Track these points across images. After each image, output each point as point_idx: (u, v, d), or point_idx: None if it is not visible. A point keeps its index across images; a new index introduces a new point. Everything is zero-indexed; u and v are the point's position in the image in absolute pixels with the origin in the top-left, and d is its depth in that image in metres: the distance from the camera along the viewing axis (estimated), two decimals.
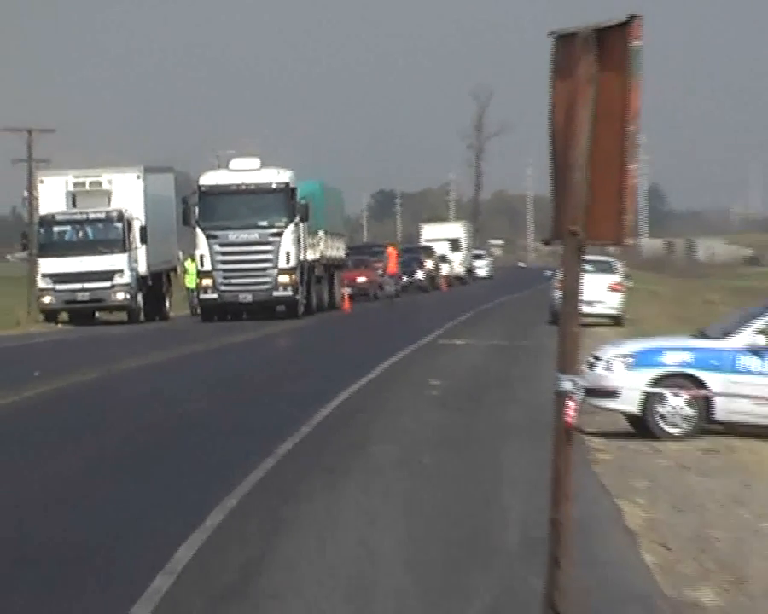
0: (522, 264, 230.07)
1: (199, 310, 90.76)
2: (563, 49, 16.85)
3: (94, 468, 39.83)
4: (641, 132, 16.76)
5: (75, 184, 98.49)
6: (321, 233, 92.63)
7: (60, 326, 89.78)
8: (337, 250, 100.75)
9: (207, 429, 47.13)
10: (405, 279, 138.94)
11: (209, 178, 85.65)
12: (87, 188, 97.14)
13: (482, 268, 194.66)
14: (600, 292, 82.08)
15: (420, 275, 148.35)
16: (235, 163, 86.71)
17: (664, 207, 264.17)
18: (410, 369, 64.39)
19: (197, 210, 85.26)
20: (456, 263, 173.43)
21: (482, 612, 21.77)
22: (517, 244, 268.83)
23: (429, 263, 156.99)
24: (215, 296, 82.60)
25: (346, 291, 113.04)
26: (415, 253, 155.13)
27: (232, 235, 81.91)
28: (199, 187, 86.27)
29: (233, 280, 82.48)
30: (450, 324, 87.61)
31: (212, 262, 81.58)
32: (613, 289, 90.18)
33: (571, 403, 17.62)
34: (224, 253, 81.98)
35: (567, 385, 17.39)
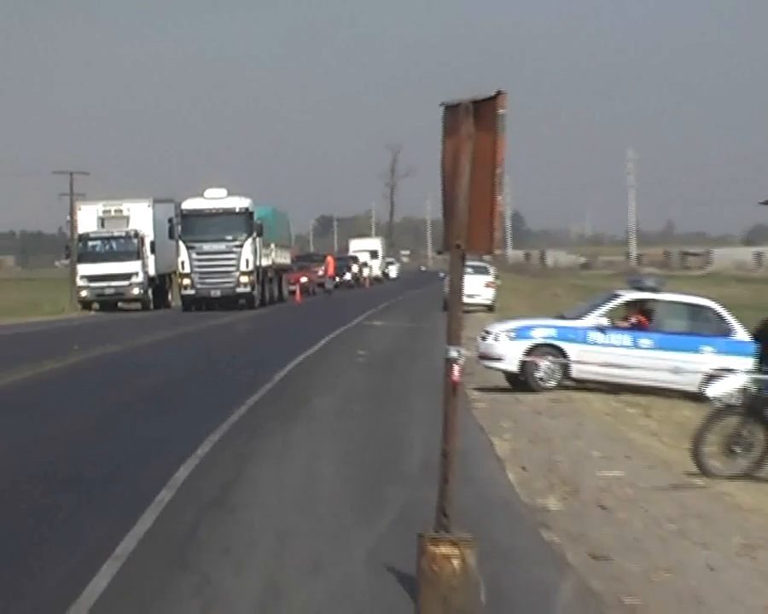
0: (423, 268, 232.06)
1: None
2: (450, 115, 18.01)
3: (116, 412, 40.31)
4: (506, 173, 17.62)
5: (104, 211, 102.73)
6: (272, 245, 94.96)
7: (92, 313, 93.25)
8: (284, 258, 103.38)
9: (200, 385, 47.99)
10: (338, 279, 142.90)
11: (189, 204, 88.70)
12: (112, 214, 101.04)
13: (393, 271, 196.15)
14: (477, 287, 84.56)
15: (348, 276, 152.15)
16: (208, 192, 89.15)
17: (523, 227, 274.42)
18: (344, 343, 65.36)
19: (179, 227, 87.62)
20: (375, 268, 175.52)
21: (394, 514, 22.65)
22: (420, 253, 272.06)
23: (355, 268, 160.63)
24: (193, 291, 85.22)
25: (298, 286, 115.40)
26: (345, 261, 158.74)
27: (206, 246, 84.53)
28: (181, 210, 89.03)
29: (206, 280, 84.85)
30: (371, 311, 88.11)
31: (191, 266, 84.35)
32: (487, 285, 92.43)
33: (456, 367, 18.87)
34: (199, 260, 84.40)
35: (453, 354, 18.55)
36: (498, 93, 17.51)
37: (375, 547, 20.89)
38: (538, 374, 43.96)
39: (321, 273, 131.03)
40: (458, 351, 18.64)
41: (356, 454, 31.09)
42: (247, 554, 21.35)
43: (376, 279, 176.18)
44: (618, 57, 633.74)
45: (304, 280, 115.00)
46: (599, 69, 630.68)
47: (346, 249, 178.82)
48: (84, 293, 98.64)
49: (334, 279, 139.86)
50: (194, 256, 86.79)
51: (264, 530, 23.49)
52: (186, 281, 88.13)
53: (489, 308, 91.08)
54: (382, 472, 28.43)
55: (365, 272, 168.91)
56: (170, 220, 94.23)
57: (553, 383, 44.29)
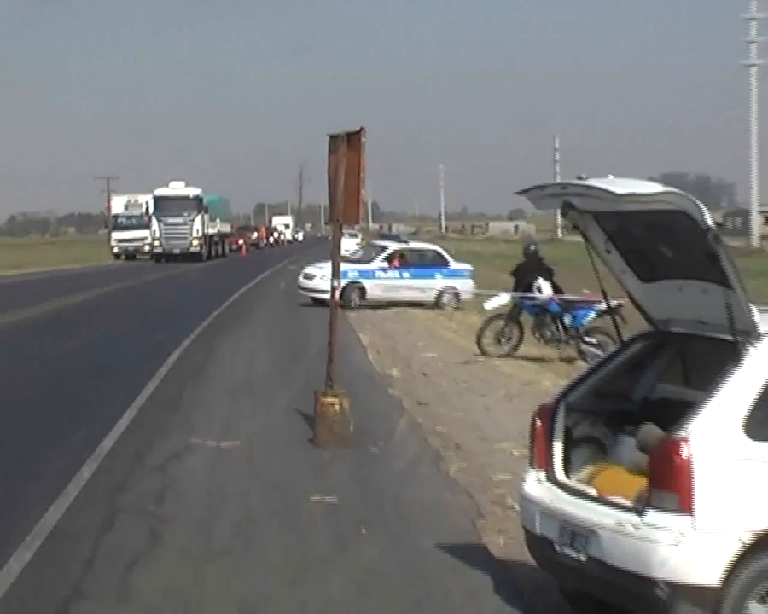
0: (319, 235, 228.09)
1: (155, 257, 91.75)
2: (333, 141, 19.09)
3: (134, 325, 38.63)
4: (367, 179, 18.56)
5: (127, 201, 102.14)
6: (217, 220, 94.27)
7: (120, 261, 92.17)
8: (226, 228, 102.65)
9: (180, 307, 45.86)
10: (265, 242, 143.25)
11: (159, 191, 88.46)
12: (132, 202, 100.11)
13: (300, 236, 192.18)
14: (350, 245, 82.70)
15: (272, 239, 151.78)
16: (172, 184, 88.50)
17: (378, 210, 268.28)
18: (270, 279, 63.97)
19: (152, 207, 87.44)
20: (288, 234, 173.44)
21: (301, 378, 22.97)
22: (317, 226, 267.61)
23: (276, 234, 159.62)
24: (161, 249, 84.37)
25: (244, 244, 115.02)
26: (271, 230, 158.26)
27: (170, 220, 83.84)
28: (154, 196, 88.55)
29: (170, 242, 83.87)
30: (286, 261, 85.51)
31: (160, 233, 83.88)
32: (357, 244, 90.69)
33: (336, 292, 19.62)
34: (165, 229, 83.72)
35: (335, 283, 19.42)
36: (361, 128, 18.58)
37: (291, 398, 21.29)
38: (350, 299, 42.74)
39: (254, 237, 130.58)
40: (338, 282, 19.57)
41: (278, 343, 31.52)
42: (212, 404, 21.74)
43: (289, 241, 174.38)
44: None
45: (240, 242, 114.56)
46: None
47: (271, 223, 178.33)
48: (115, 249, 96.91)
49: (264, 241, 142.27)
50: (162, 226, 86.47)
51: (222, 388, 23.84)
52: (156, 243, 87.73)
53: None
54: (294, 356, 28.64)
55: (282, 237, 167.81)
56: (146, 202, 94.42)
57: (358, 303, 43.79)
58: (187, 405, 21.57)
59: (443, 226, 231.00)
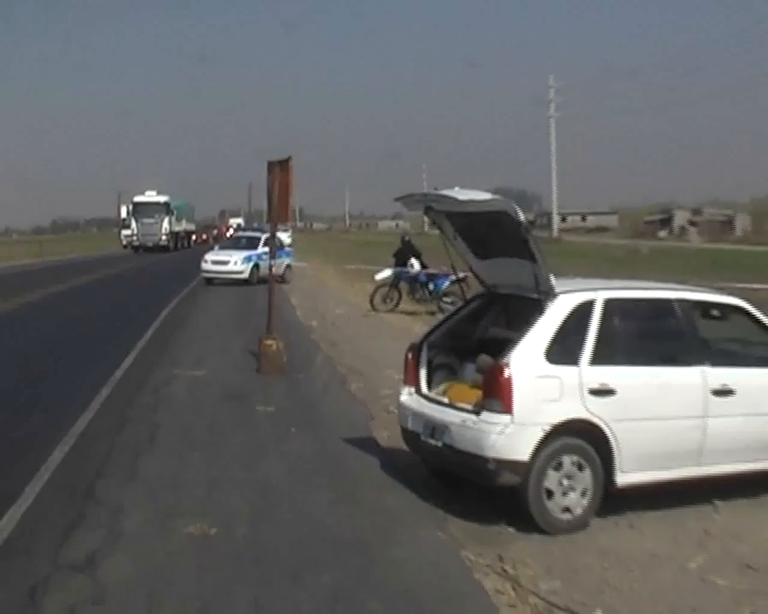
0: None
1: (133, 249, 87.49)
2: (270, 165, 18.70)
3: (134, 292, 37.66)
4: (295, 190, 18.39)
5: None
6: (183, 220, 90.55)
7: (126, 250, 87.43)
8: (190, 227, 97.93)
9: (164, 281, 43.07)
10: (225, 236, 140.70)
11: (136, 198, 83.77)
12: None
13: (285, 236, 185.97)
14: (284, 237, 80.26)
15: (229, 233, 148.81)
16: (147, 192, 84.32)
17: (305, 212, 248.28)
18: None
19: (132, 210, 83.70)
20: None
21: (250, 329, 22.13)
22: (261, 224, 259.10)
23: (232, 230, 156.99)
24: (138, 243, 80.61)
25: (209, 237, 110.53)
26: (229, 227, 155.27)
27: (145, 220, 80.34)
28: (132, 201, 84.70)
29: (145, 237, 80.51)
30: None
31: (137, 229, 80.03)
32: (288, 237, 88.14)
33: (274, 269, 19.55)
34: (141, 226, 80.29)
35: (273, 262, 19.31)
36: (289, 157, 18.43)
37: (245, 341, 21.05)
38: (255, 277, 38.87)
39: (215, 233, 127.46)
40: (274, 261, 19.52)
41: (233, 312, 30.24)
42: (189, 346, 21.51)
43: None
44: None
45: (204, 236, 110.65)
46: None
47: (228, 221, 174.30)
48: (124, 242, 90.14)
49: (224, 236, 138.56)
50: (138, 225, 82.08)
51: (197, 336, 23.55)
52: (134, 238, 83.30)
53: (289, 246, 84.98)
54: (245, 316, 27.86)
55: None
56: (127, 207, 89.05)
57: (256, 280, 38.80)
58: (172, 345, 21.36)
59: (347, 223, 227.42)
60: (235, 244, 44.12)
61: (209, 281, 40.18)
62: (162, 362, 18.90)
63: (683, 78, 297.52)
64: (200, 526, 8.89)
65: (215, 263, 40.77)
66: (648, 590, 7.77)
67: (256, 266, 40.04)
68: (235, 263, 39.74)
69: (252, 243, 42.20)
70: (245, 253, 40.80)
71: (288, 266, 42.80)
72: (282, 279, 38.89)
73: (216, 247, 45.32)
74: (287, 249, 43.78)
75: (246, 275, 38.83)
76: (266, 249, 38.06)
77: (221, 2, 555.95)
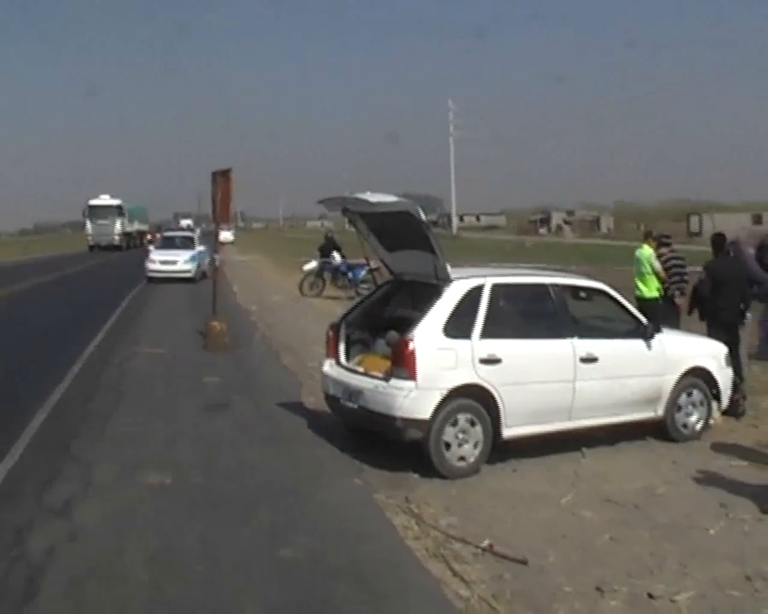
0: (208, 230, 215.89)
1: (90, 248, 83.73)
2: (214, 175, 18.43)
3: (103, 285, 35.82)
4: (236, 196, 18.17)
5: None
6: (135, 222, 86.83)
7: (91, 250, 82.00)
8: (143, 227, 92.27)
9: (121, 275, 39.77)
10: None
11: (92, 201, 79.49)
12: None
13: (198, 231, 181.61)
14: (227, 236, 78.10)
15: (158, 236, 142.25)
16: (102, 196, 79.93)
17: (246, 214, 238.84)
18: None
19: (87, 213, 80.00)
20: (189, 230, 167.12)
21: (198, 313, 21.89)
22: (209, 225, 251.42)
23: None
24: (93, 243, 76.11)
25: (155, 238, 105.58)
26: (180, 227, 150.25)
27: (99, 221, 76.50)
28: (88, 204, 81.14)
29: (99, 237, 76.25)
30: None
31: (92, 230, 75.87)
32: (232, 234, 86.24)
33: (216, 261, 19.38)
34: (96, 227, 76.30)
35: (216, 257, 19.20)
36: (230, 168, 18.24)
37: (194, 323, 20.71)
38: (200, 272, 34.88)
39: (149, 237, 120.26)
40: (217, 257, 19.34)
41: (183, 299, 29.40)
42: (147, 328, 21.17)
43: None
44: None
45: (156, 236, 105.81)
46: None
47: (179, 223, 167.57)
48: (91, 243, 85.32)
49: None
50: (93, 226, 77.50)
51: (154, 321, 23.05)
52: (90, 238, 78.47)
53: (232, 243, 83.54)
54: (194, 299, 27.68)
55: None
56: (83, 210, 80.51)
57: (200, 275, 34.75)
58: (132, 329, 20.94)
59: (281, 223, 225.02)
60: (171, 243, 38.78)
61: (151, 280, 35.17)
62: (124, 342, 18.56)
63: (558, 102, 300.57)
64: (158, 477, 8.87)
65: (164, 262, 35.86)
66: (529, 522, 7.90)
67: (198, 264, 36.08)
68: (184, 262, 35.61)
69: (186, 243, 38.17)
70: (190, 253, 36.42)
71: (211, 263, 39.20)
72: (205, 275, 34.94)
73: (151, 248, 39.15)
74: (203, 248, 37.88)
75: (192, 274, 35.15)
76: (202, 248, 36.64)
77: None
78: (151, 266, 36.08)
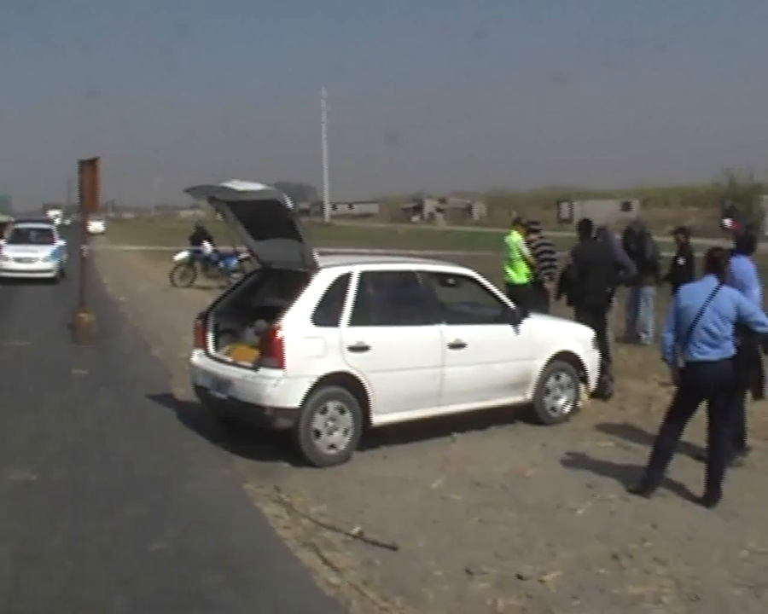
0: (79, 220, 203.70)
1: None
2: (81, 165, 18.08)
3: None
4: (101, 184, 17.68)
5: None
6: None
7: None
8: (3, 218, 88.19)
9: None
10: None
11: None
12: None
13: (68, 221, 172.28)
14: (98, 226, 74.14)
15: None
16: None
17: (116, 203, 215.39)
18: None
19: None
20: (58, 220, 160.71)
21: (66, 306, 20.87)
22: (78, 215, 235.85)
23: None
24: None
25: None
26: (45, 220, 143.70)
27: None
28: None
29: None
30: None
31: None
32: (102, 224, 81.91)
33: (85, 252, 18.82)
34: None
35: (84, 247, 18.55)
36: (97, 157, 17.78)
37: (62, 316, 19.95)
38: (60, 271, 29.66)
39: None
40: (86, 248, 18.78)
41: (52, 285, 28.56)
42: (13, 320, 20.49)
43: (61, 226, 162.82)
44: None
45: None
46: None
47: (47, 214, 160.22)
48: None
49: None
50: None
51: (19, 313, 22.32)
52: None
53: (102, 233, 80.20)
54: (63, 292, 26.51)
55: (57, 221, 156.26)
56: None
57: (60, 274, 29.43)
58: None
59: (153, 212, 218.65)
60: (25, 238, 31.74)
61: (3, 282, 28.58)
62: None
63: (431, 90, 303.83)
64: (23, 473, 8.62)
65: (19, 261, 29.63)
66: (399, 508, 7.93)
67: (60, 261, 30.54)
68: (44, 259, 29.76)
69: (44, 237, 31.78)
70: (50, 248, 30.69)
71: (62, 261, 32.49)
72: (63, 274, 30.15)
73: (2, 242, 31.42)
74: (64, 242, 32.06)
75: (54, 274, 29.83)
76: (62, 242, 31.69)
77: None
78: (4, 265, 29.74)
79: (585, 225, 13.05)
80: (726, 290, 8.05)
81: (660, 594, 6.25)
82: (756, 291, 9.07)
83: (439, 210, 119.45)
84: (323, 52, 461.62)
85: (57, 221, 73.09)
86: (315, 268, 9.45)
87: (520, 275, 14.74)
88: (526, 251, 14.73)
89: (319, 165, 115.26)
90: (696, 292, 8.13)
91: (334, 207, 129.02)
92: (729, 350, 7.99)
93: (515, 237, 14.94)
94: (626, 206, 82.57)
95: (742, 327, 8.07)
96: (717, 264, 8.11)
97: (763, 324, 8.09)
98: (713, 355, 7.94)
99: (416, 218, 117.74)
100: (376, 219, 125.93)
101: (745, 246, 9.48)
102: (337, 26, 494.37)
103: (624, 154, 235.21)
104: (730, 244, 9.93)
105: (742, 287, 8.72)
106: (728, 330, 7.96)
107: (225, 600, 6.02)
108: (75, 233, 32.21)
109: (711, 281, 8.05)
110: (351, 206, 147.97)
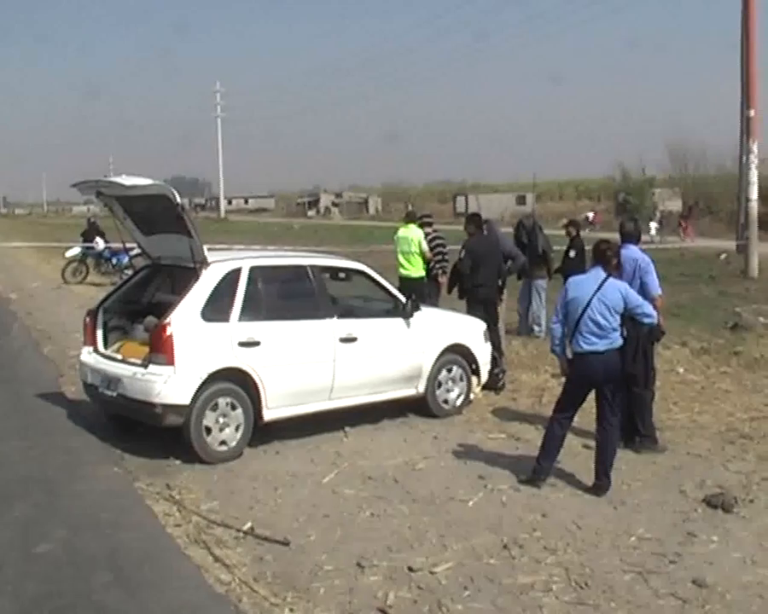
0: None
1: None
2: None
3: None
4: None
5: None
6: None
7: None
8: None
9: None
10: None
11: None
12: None
13: None
14: None
15: None
16: None
17: (7, 200, 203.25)
18: None
19: None
20: None
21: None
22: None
23: None
24: None
25: None
26: None
27: None
28: None
29: None
30: None
31: None
32: None
33: None
34: None
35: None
36: None
37: None
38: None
39: None
40: None
41: None
42: None
43: None
44: None
45: None
46: None
47: None
48: None
49: None
50: None
51: None
52: None
53: None
54: None
55: None
56: None
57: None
58: None
59: (45, 209, 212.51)
60: None
61: None
62: None
63: (325, 85, 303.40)
64: None
65: None
66: (291, 503, 7.90)
67: None
68: None
69: None
70: None
71: None
72: None
73: None
74: None
75: None
76: None
77: None
78: None
79: (476, 219, 13.12)
80: (613, 282, 8.15)
81: (550, 583, 6.29)
82: (655, 275, 9.26)
83: (335, 204, 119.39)
84: (219, 43, 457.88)
85: None
86: (204, 263, 9.33)
87: (417, 268, 14.69)
88: (425, 246, 14.68)
89: (214, 159, 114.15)
90: (584, 284, 8.20)
91: (229, 202, 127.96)
92: (616, 341, 8.09)
93: (416, 232, 14.89)
94: (521, 200, 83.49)
95: (629, 318, 8.20)
96: (604, 256, 8.20)
97: (649, 316, 8.25)
98: (601, 345, 8.03)
99: (312, 213, 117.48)
100: (272, 214, 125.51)
101: (630, 236, 9.59)
102: (234, 20, 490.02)
103: (518, 148, 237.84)
104: (599, 236, 10.04)
105: (645, 273, 8.97)
106: (615, 321, 8.06)
107: (113, 600, 5.90)
108: None
109: (598, 273, 8.14)
110: (246, 201, 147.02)
